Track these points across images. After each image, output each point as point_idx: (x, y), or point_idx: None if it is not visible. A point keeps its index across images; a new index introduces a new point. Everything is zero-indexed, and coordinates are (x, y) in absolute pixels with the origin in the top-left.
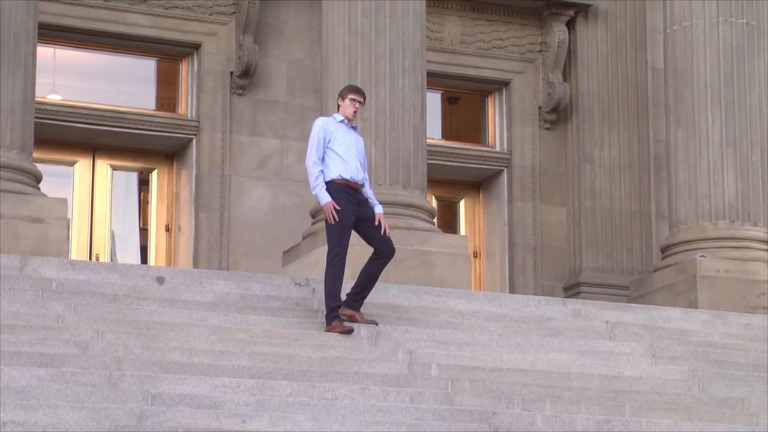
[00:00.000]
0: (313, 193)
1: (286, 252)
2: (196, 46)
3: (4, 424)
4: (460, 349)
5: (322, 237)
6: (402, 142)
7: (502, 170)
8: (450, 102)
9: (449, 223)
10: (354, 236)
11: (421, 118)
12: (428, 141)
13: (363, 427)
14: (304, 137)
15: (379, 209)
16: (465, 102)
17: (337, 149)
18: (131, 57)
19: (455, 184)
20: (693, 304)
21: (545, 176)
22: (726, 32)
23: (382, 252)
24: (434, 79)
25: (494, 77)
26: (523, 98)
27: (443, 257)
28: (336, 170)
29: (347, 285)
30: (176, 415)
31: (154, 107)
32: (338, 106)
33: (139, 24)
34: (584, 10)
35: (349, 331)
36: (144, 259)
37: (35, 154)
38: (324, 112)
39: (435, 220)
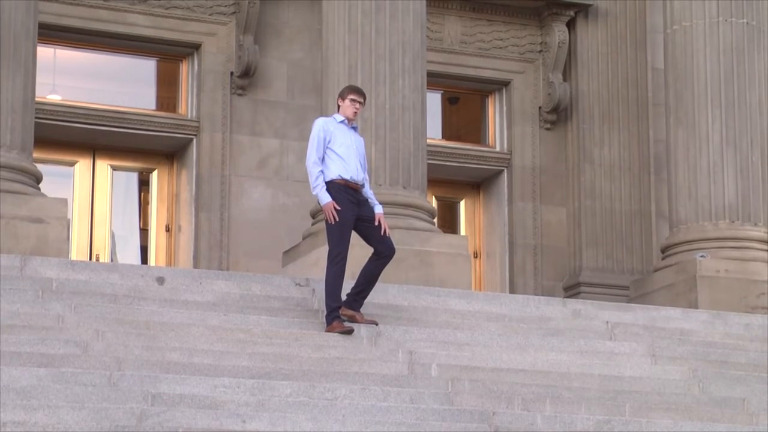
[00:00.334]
0: (314, 193)
1: (286, 252)
2: (196, 46)
3: (4, 424)
4: (460, 350)
5: (323, 237)
6: (402, 142)
7: (502, 170)
8: (450, 102)
9: (449, 223)
10: (354, 236)
11: (421, 118)
12: (428, 141)
13: (363, 427)
14: (304, 137)
15: (378, 209)
16: (465, 102)
17: (337, 149)
18: (131, 57)
19: (455, 184)
20: (693, 304)
21: (545, 176)
22: (726, 32)
23: (382, 252)
24: (434, 79)
25: (494, 77)
26: (524, 98)
27: (443, 257)
28: (336, 170)
29: (347, 285)
30: (176, 415)
31: (154, 107)
32: (338, 106)
33: (139, 24)
34: (584, 10)
35: (350, 332)
36: (144, 259)
37: (35, 154)
38: (324, 112)
39: (435, 220)
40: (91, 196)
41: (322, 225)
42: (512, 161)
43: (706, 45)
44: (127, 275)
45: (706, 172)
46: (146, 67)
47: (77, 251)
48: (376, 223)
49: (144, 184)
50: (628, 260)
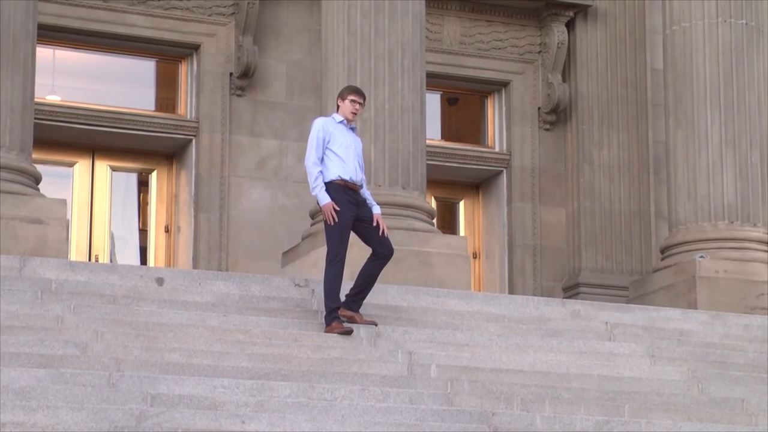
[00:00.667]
0: (313, 193)
1: (285, 253)
2: (195, 47)
3: (3, 424)
4: (460, 350)
5: (322, 238)
6: (401, 143)
7: (502, 171)
8: (449, 103)
9: (449, 224)
10: (353, 237)
11: (421, 119)
12: (428, 142)
13: (362, 427)
14: (304, 138)
15: (377, 209)
16: (464, 103)
17: (336, 150)
18: (131, 58)
19: (455, 184)
20: (692, 305)
21: (544, 177)
22: (725, 33)
23: (381, 252)
24: (433, 80)
25: (493, 78)
26: (523, 99)
27: (442, 258)
28: (335, 171)
29: (347, 286)
30: (175, 416)
31: (153, 108)
32: (338, 106)
33: (139, 25)
34: (583, 10)
35: (349, 332)
36: (143, 260)
37: (34, 155)
38: (323, 113)
39: (434, 220)
40: (91, 196)
41: (321, 226)
42: (511, 162)
43: (705, 46)
44: (126, 276)
45: (706, 172)
46: (145, 68)
47: (76, 252)
48: (375, 224)
49: (143, 185)
50: (628, 261)
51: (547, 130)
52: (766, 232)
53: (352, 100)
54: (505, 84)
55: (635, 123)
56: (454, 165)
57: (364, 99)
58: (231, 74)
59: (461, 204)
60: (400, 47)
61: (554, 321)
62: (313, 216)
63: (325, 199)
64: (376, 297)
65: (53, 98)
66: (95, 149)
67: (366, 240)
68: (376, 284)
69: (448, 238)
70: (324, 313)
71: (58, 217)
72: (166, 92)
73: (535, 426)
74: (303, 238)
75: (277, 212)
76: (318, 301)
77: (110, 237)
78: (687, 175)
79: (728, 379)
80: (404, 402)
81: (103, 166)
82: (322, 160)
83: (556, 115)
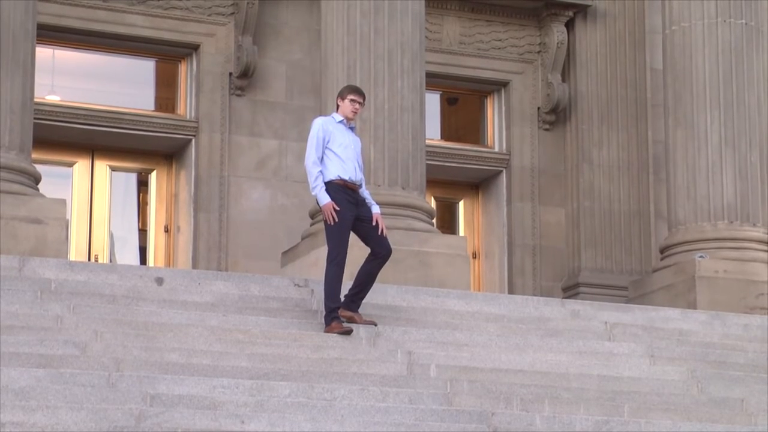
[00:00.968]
0: (313, 193)
1: (285, 253)
2: (194, 47)
3: (3, 424)
4: (459, 350)
5: (321, 238)
6: (401, 143)
7: (501, 171)
8: (449, 102)
9: (448, 224)
10: (353, 237)
11: (420, 119)
12: (427, 142)
13: (362, 427)
14: (303, 138)
15: (376, 209)
16: (464, 103)
17: (335, 149)
18: (130, 58)
19: (454, 184)
20: (692, 305)
21: (544, 177)
22: (725, 33)
23: (379, 252)
24: (433, 80)
25: (493, 78)
26: (522, 99)
27: (442, 258)
28: (335, 170)
29: (346, 286)
30: (175, 416)
31: (153, 108)
32: (337, 106)
33: (138, 25)
34: (583, 10)
35: (348, 332)
36: (143, 259)
37: (34, 155)
38: (323, 113)
39: (434, 220)
40: (90, 196)
41: (321, 225)
42: (511, 162)
43: (704, 45)
44: (125, 276)
45: (705, 172)
46: (145, 68)
47: (76, 252)
48: (374, 223)
49: (143, 185)
50: (627, 261)
51: (546, 130)
52: (766, 232)
53: (352, 100)
54: (504, 84)
55: (635, 123)
56: (454, 165)
57: (364, 98)
58: (230, 74)
59: (461, 204)
60: (399, 47)
61: (554, 321)
62: (312, 216)
63: (325, 198)
64: (376, 297)
65: (53, 98)
66: (95, 149)
67: (365, 240)
68: (375, 284)
69: (448, 238)
70: (323, 313)
71: (58, 217)
72: (166, 92)
73: (534, 426)
74: (302, 238)
75: (276, 212)
76: (317, 301)
77: (110, 237)
78: (686, 175)
79: (728, 379)
80: (404, 402)
81: (102, 166)
82: (322, 159)
83: (556, 115)
